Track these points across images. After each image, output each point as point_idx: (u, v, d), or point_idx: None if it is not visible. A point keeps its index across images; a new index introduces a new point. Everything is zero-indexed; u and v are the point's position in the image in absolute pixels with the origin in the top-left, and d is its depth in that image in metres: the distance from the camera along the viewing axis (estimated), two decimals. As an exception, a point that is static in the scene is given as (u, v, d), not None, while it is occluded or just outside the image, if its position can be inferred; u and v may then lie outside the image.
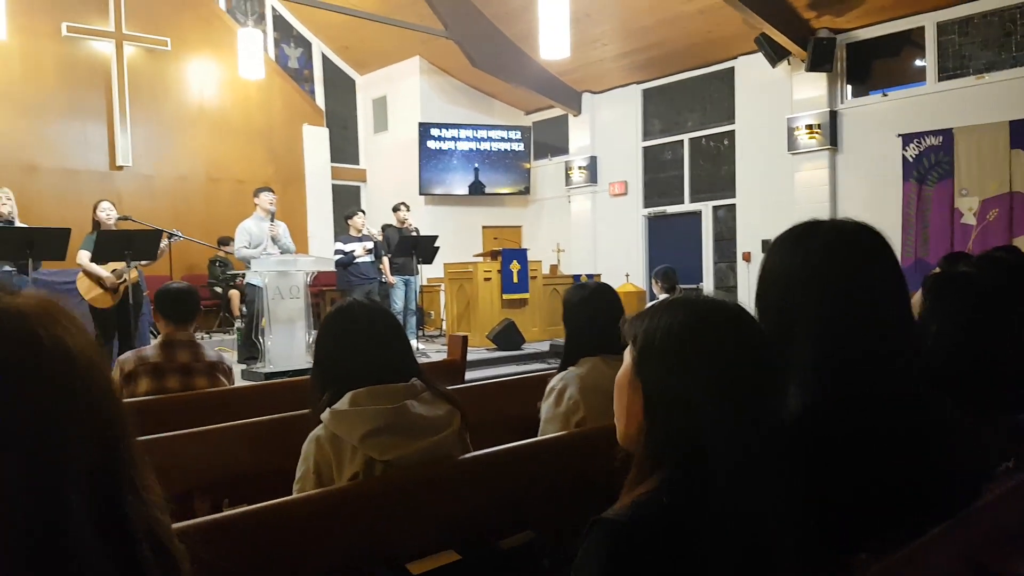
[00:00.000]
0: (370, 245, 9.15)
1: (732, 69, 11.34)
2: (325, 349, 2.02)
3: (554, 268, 12.23)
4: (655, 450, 1.09)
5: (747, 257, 11.10)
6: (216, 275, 11.02)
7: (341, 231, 10.44)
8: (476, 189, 13.73)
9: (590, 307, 2.58)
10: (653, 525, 1.02)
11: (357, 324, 1.99)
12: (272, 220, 7.70)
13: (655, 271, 7.80)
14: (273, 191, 7.95)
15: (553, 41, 9.09)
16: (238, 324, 8.80)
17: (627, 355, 1.17)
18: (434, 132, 13.38)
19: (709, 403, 1.06)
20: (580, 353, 2.57)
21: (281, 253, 7.60)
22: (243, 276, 8.49)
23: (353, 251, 9.04)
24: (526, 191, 14.09)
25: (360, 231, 9.21)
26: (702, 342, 1.10)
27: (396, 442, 1.87)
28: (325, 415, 1.90)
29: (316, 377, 2.02)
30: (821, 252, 1.28)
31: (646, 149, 12.71)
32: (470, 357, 6.75)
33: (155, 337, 3.98)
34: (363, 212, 9.39)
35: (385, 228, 9.64)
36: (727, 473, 1.04)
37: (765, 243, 10.68)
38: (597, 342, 2.51)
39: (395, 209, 9.75)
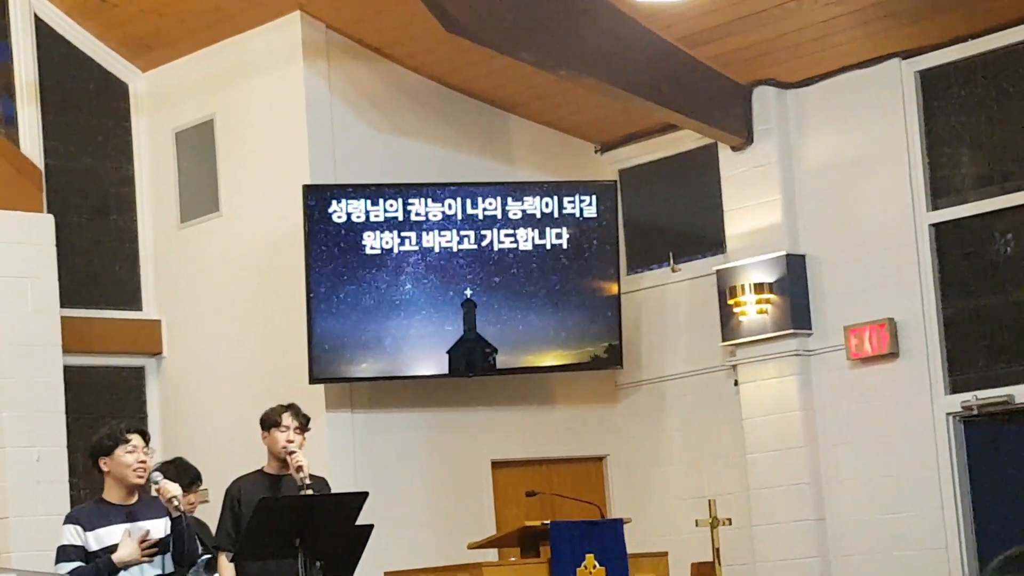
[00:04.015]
0: (158, 531, 8.92)
1: None
2: None
3: (704, 571, 12.48)
4: None
5: None
6: None
7: (87, 492, 11.49)
8: (470, 359, 13.42)
9: None
10: None
11: None
12: None
13: (993, 569, 6.57)
14: None
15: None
16: None
17: None
18: (347, 210, 13.30)
19: None
20: None
21: None
22: None
23: (105, 547, 8.88)
24: (613, 357, 13.56)
25: (132, 488, 9.06)
26: None
27: None
28: None
29: None
30: None
31: (940, 229, 12.73)
32: None
33: None
34: (142, 436, 9.09)
35: (235, 485, 10.05)
36: None
37: None
38: None
39: (268, 423, 9.83)
